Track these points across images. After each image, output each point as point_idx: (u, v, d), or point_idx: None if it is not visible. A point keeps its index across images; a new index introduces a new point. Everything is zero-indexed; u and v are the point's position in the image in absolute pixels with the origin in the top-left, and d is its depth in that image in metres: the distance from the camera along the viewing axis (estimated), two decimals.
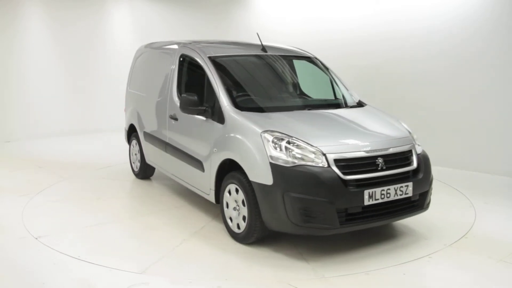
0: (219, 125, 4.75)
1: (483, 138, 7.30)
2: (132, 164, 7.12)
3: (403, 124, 4.96)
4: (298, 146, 4.12)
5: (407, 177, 4.39)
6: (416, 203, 4.48)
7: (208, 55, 5.27)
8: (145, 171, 6.81)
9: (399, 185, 4.23)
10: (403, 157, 4.44)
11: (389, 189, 4.17)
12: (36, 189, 6.31)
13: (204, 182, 5.02)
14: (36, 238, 4.66)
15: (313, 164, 4.03)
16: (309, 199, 3.94)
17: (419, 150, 4.66)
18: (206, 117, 4.94)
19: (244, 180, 4.33)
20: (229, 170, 4.59)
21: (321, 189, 3.95)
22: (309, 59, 5.98)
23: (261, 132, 4.26)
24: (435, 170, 5.03)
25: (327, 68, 5.89)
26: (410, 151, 4.51)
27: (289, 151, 4.10)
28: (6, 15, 9.69)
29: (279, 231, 4.26)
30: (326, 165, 4.03)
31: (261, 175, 4.14)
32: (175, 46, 5.99)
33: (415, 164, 4.46)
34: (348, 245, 4.48)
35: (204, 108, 4.92)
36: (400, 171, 4.33)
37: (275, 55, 5.68)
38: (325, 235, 4.43)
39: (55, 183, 6.68)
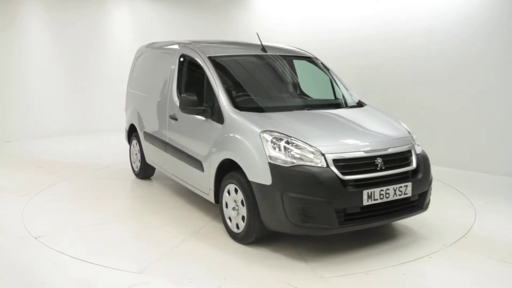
0: (218, 125, 4.75)
1: (483, 138, 7.30)
2: (133, 164, 7.12)
3: (402, 124, 4.95)
4: (297, 146, 4.12)
5: (406, 177, 4.38)
6: (416, 203, 4.48)
7: (207, 55, 5.27)
8: (145, 171, 6.81)
9: (398, 185, 4.23)
10: (402, 157, 4.43)
11: (388, 189, 4.16)
12: (36, 189, 6.31)
13: (203, 182, 5.02)
14: (36, 238, 4.66)
15: (312, 164, 4.03)
16: (307, 199, 3.94)
17: (418, 150, 4.66)
18: (206, 117, 4.94)
19: (243, 180, 4.33)
20: (229, 170, 4.59)
21: (319, 189, 3.95)
22: (309, 59, 5.98)
23: (260, 132, 4.26)
24: (435, 170, 5.04)
25: (327, 68, 5.89)
26: (409, 151, 4.51)
27: (288, 151, 4.10)
28: (6, 15, 9.70)
29: (278, 231, 4.25)
30: (325, 165, 4.03)
31: (260, 175, 4.14)
32: (175, 46, 5.99)
33: (414, 164, 4.46)
34: (347, 245, 4.48)
35: (204, 108, 4.92)
36: (399, 171, 4.33)
37: (275, 55, 5.68)
38: (324, 235, 4.43)
39: (55, 183, 6.68)
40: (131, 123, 6.98)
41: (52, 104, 10.37)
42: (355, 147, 4.24)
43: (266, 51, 5.59)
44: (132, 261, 4.14)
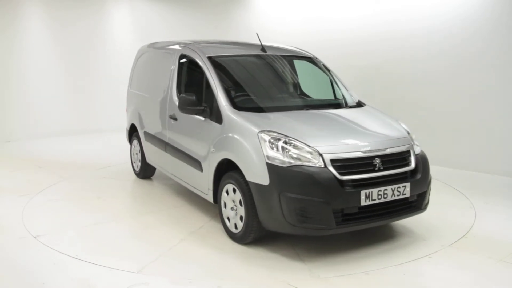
0: (217, 125, 4.75)
1: (483, 138, 7.30)
2: (133, 163, 7.13)
3: (402, 124, 4.94)
4: (295, 146, 4.12)
5: (405, 177, 4.37)
6: (414, 204, 4.47)
7: (207, 55, 5.27)
8: (145, 171, 6.82)
9: (396, 186, 4.22)
10: (401, 158, 4.42)
11: (386, 189, 4.15)
12: (36, 189, 6.31)
13: (202, 182, 5.02)
14: (35, 237, 4.66)
15: (310, 164, 4.02)
16: (305, 200, 3.93)
17: (417, 150, 4.64)
18: (205, 117, 4.94)
19: (241, 180, 4.33)
20: (227, 170, 4.59)
21: (317, 189, 3.94)
22: (309, 59, 5.98)
23: (258, 132, 4.26)
24: (435, 170, 5.05)
25: (327, 68, 5.89)
26: (408, 152, 4.50)
27: (286, 151, 4.10)
28: (6, 15, 9.70)
29: (276, 231, 4.25)
30: (322, 165, 4.02)
31: (258, 175, 4.14)
32: (175, 46, 6.00)
33: (413, 165, 4.45)
34: (347, 245, 4.48)
35: (203, 108, 4.92)
36: (397, 172, 4.31)
37: (275, 55, 5.68)
38: (322, 236, 4.43)
39: (55, 183, 6.68)
40: (131, 123, 6.98)
41: (52, 104, 10.37)
42: (353, 147, 4.23)
43: (265, 51, 5.59)
44: (132, 261, 4.14)
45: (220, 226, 4.86)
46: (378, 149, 4.27)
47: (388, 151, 4.33)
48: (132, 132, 7.06)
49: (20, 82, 9.99)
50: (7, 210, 5.56)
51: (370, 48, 8.57)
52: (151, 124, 6.32)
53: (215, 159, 4.69)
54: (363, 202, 4.05)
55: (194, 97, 4.92)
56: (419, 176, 4.44)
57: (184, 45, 5.79)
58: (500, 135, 7.11)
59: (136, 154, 6.95)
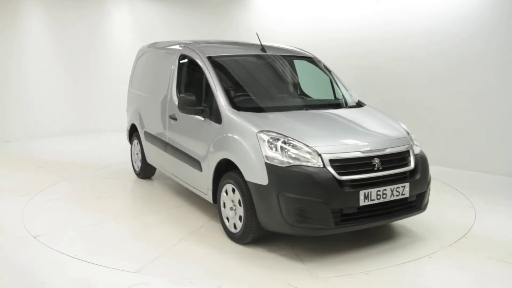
0: (216, 125, 4.75)
1: (483, 138, 7.30)
2: (134, 163, 7.13)
3: (401, 124, 4.93)
4: (293, 146, 4.11)
5: (404, 177, 4.36)
6: (413, 204, 4.46)
7: (206, 55, 5.27)
8: (146, 171, 6.83)
9: (395, 186, 4.21)
10: (400, 158, 4.41)
11: (385, 189, 4.15)
12: (36, 189, 6.31)
13: (202, 182, 5.02)
14: (35, 237, 4.66)
15: (309, 164, 4.02)
16: (303, 200, 3.93)
17: (417, 150, 4.64)
18: (204, 117, 4.94)
19: (240, 180, 4.33)
20: (227, 170, 4.59)
21: (315, 189, 3.94)
22: (309, 59, 5.98)
23: (257, 132, 4.26)
24: (435, 170, 5.04)
25: (326, 68, 5.89)
26: (407, 152, 4.49)
27: (285, 151, 4.09)
28: (6, 15, 9.70)
29: (275, 231, 4.25)
30: (321, 166, 4.02)
31: (257, 175, 4.14)
32: (175, 46, 6.00)
33: (412, 165, 4.44)
34: (347, 245, 4.48)
35: (202, 108, 4.92)
36: (396, 172, 4.31)
37: (274, 55, 5.68)
38: (321, 236, 4.42)
39: (55, 183, 6.68)
40: (132, 123, 6.99)
41: (52, 104, 10.37)
42: (352, 147, 4.23)
43: (265, 51, 5.59)
44: (132, 261, 4.14)
45: (219, 226, 4.86)
46: (377, 149, 4.27)
47: (388, 151, 4.33)
48: (133, 132, 7.07)
49: (20, 82, 10.00)
50: (7, 210, 5.56)
51: (370, 48, 8.57)
52: (151, 124, 6.32)
53: (215, 159, 4.69)
54: (362, 202, 4.04)
55: (193, 97, 4.92)
56: (419, 176, 4.44)
57: (184, 45, 5.79)
58: (500, 135, 7.11)
59: (137, 154, 6.95)
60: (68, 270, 4.00)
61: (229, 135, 4.54)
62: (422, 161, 4.57)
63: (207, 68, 5.10)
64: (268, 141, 4.16)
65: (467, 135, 7.47)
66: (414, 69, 8.02)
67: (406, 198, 4.32)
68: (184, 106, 4.95)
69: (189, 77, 5.62)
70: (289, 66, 5.86)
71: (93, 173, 7.30)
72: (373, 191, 4.09)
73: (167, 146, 5.78)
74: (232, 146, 4.48)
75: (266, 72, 5.66)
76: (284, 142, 4.14)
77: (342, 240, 4.57)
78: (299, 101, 5.50)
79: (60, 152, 8.82)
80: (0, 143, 9.56)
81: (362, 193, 4.04)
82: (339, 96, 5.55)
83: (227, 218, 4.63)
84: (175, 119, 5.54)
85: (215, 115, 4.79)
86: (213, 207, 5.39)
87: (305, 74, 6.00)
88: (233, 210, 4.52)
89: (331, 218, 3.96)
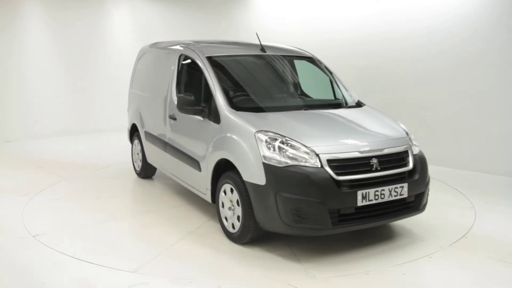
0: (215, 125, 4.75)
1: (483, 138, 7.30)
2: (134, 163, 7.14)
3: (400, 124, 4.91)
4: (291, 146, 4.11)
5: (403, 178, 4.35)
6: (412, 204, 4.45)
7: (206, 55, 5.27)
8: (146, 170, 6.83)
9: (393, 186, 4.20)
10: (398, 158, 4.40)
11: (383, 190, 4.13)
12: (36, 189, 6.31)
13: (201, 182, 5.02)
14: (34, 237, 4.67)
15: (306, 164, 4.01)
16: (301, 200, 3.93)
17: (416, 150, 4.62)
18: (203, 117, 4.94)
19: (238, 180, 4.32)
20: (226, 170, 4.59)
21: (313, 189, 3.93)
22: (308, 59, 5.98)
23: (255, 132, 4.26)
24: (435, 170, 5.04)
25: (326, 68, 5.89)
26: (406, 152, 4.47)
27: (283, 151, 4.09)
28: (6, 15, 9.70)
29: (272, 231, 4.25)
30: (319, 166, 4.02)
31: (255, 175, 4.14)
32: (175, 46, 6.00)
33: (411, 165, 4.43)
34: (346, 245, 4.48)
35: (201, 108, 4.92)
36: (395, 172, 4.29)
37: (274, 55, 5.67)
38: (319, 236, 4.42)
39: (55, 183, 6.68)
40: (132, 122, 7.00)
41: (52, 104, 10.37)
42: (350, 147, 4.22)
43: (265, 51, 5.58)
44: (131, 261, 4.14)
45: (218, 226, 4.86)
46: (376, 149, 4.26)
47: (386, 151, 4.31)
48: (133, 132, 7.07)
49: (20, 82, 10.00)
50: (7, 210, 5.56)
51: (370, 48, 8.57)
52: (152, 124, 6.33)
53: (213, 159, 4.69)
54: (359, 203, 4.03)
55: (192, 97, 4.93)
56: (417, 176, 4.42)
57: (184, 45, 5.79)
58: (500, 135, 7.11)
59: (137, 153, 6.96)
60: (68, 270, 4.00)
61: (228, 135, 4.54)
62: (421, 161, 4.56)
63: (206, 68, 5.10)
64: (266, 141, 4.16)
65: (467, 135, 7.47)
66: (414, 69, 8.02)
67: (404, 199, 4.30)
68: (183, 106, 4.96)
69: (189, 77, 5.62)
70: (289, 66, 5.86)
71: (93, 173, 7.30)
72: (371, 191, 4.08)
73: (167, 146, 5.78)
74: (230, 146, 4.48)
75: (266, 72, 5.66)
76: (282, 142, 4.13)
77: (341, 240, 4.57)
78: (298, 101, 5.49)
79: (60, 152, 8.82)
80: (0, 143, 9.56)
81: (359, 193, 4.03)
82: (338, 96, 5.54)
83: (226, 218, 4.63)
84: (174, 119, 5.54)
85: (214, 115, 4.79)
86: (212, 207, 5.39)
87: (305, 74, 6.00)
88: (231, 210, 4.52)
89: (329, 218, 3.96)
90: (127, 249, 4.45)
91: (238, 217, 4.40)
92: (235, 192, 4.40)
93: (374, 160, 4.18)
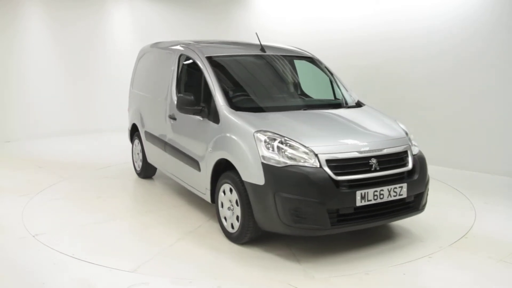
0: (214, 125, 4.75)
1: (483, 138, 7.30)
2: (135, 163, 7.15)
3: (400, 124, 4.90)
4: (290, 146, 4.11)
5: (402, 178, 4.34)
6: (411, 205, 4.44)
7: (205, 55, 5.27)
8: (147, 170, 6.83)
9: (393, 186, 4.19)
10: (397, 158, 4.39)
11: (382, 190, 4.13)
12: (36, 189, 6.31)
13: (200, 182, 5.02)
14: (34, 236, 4.67)
15: (305, 164, 4.01)
16: (299, 200, 3.93)
17: (415, 151, 4.61)
18: (202, 116, 4.94)
19: (237, 180, 4.32)
20: (225, 170, 4.59)
21: (312, 189, 3.93)
22: (308, 59, 5.97)
23: (254, 132, 4.25)
24: (435, 170, 5.03)
25: (326, 68, 5.89)
26: (405, 152, 4.46)
27: (282, 151, 4.09)
28: (6, 15, 9.70)
29: (271, 231, 4.25)
30: (318, 166, 4.01)
31: (253, 175, 4.14)
32: (175, 46, 6.00)
33: (410, 165, 4.42)
34: (345, 245, 4.47)
35: (200, 108, 4.92)
36: (394, 172, 4.29)
37: (274, 55, 5.67)
38: (318, 236, 4.42)
39: (55, 183, 6.68)
40: (133, 122, 7.01)
41: (52, 104, 10.37)
42: (349, 147, 4.21)
43: (265, 51, 5.58)
44: (131, 261, 4.14)
45: (217, 226, 4.86)
46: (375, 150, 4.25)
47: (385, 151, 4.31)
48: (134, 132, 7.08)
49: (20, 82, 9.99)
50: (7, 210, 5.57)
51: (370, 48, 8.57)
52: (152, 124, 6.33)
53: (213, 159, 4.70)
54: (358, 203, 4.03)
55: (192, 97, 4.93)
56: (417, 176, 4.42)
57: (184, 45, 5.80)
58: (500, 135, 7.11)
59: (138, 153, 6.97)
60: (68, 270, 4.00)
61: (227, 135, 4.54)
62: (420, 161, 4.55)
63: (206, 68, 5.10)
64: (265, 141, 4.16)
65: (467, 135, 7.47)
66: (414, 69, 8.02)
67: (403, 199, 4.30)
68: (183, 106, 4.96)
69: (189, 77, 5.62)
70: (289, 66, 5.85)
71: (93, 173, 7.30)
72: (370, 191, 4.07)
73: (166, 146, 5.78)
74: (229, 146, 4.48)
75: (265, 72, 5.66)
76: (281, 142, 4.13)
77: (340, 240, 4.57)
78: (297, 101, 5.49)
79: (60, 152, 8.82)
80: (0, 143, 9.56)
81: (358, 194, 4.02)
82: (338, 96, 5.54)
83: (225, 218, 4.63)
84: (174, 119, 5.54)
85: (213, 115, 4.79)
86: (212, 207, 5.39)
87: (305, 74, 6.00)
88: (230, 210, 4.52)
89: (327, 218, 3.95)
90: (127, 249, 4.45)
91: (237, 217, 4.40)
92: (234, 192, 4.40)
93: (373, 160, 4.18)
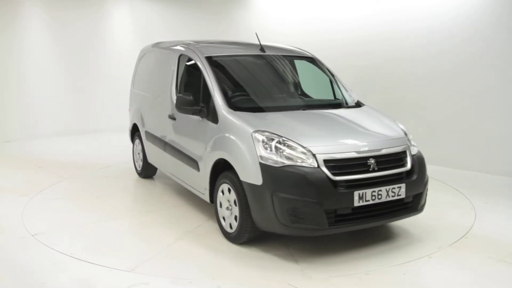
0: (213, 125, 4.75)
1: (483, 138, 7.30)
2: (135, 163, 7.15)
3: (399, 124, 4.89)
4: (288, 146, 4.10)
5: (400, 178, 4.33)
6: (410, 205, 4.43)
7: (205, 55, 5.27)
8: (147, 170, 6.84)
9: (391, 187, 4.18)
10: (396, 158, 4.38)
11: (380, 190, 4.12)
12: (36, 189, 6.31)
13: (199, 182, 5.02)
14: (33, 236, 4.67)
15: (303, 164, 4.01)
16: (297, 200, 3.92)
17: (414, 151, 4.59)
18: (201, 116, 4.94)
19: (235, 180, 4.32)
20: (224, 170, 4.59)
21: (309, 189, 3.92)
22: (308, 59, 5.97)
23: (252, 132, 4.25)
24: (435, 170, 5.03)
25: (326, 68, 5.88)
26: (404, 152, 4.45)
27: (279, 151, 4.09)
28: (6, 15, 9.70)
29: (269, 231, 4.24)
30: (315, 166, 4.01)
31: (251, 175, 4.13)
32: (175, 47, 6.00)
33: (409, 166, 4.41)
34: (344, 245, 4.47)
35: (200, 108, 4.92)
36: (392, 172, 4.28)
37: (273, 55, 5.66)
38: (316, 236, 4.41)
39: (55, 183, 6.68)
40: (134, 122, 7.02)
41: (52, 104, 10.37)
42: (347, 147, 4.20)
43: (264, 51, 5.58)
44: (131, 260, 4.14)
45: (216, 226, 4.86)
46: (373, 150, 4.24)
47: (384, 151, 4.30)
48: (134, 132, 7.09)
49: (20, 82, 9.99)
50: (7, 210, 5.57)
51: (370, 48, 8.57)
52: (152, 124, 6.34)
53: (211, 159, 4.70)
54: (356, 203, 4.02)
55: (191, 97, 4.93)
56: (415, 177, 4.40)
57: (184, 45, 5.80)
58: (500, 135, 7.11)
59: (138, 153, 6.97)
60: (68, 270, 4.00)
61: (225, 135, 4.54)
62: (419, 161, 4.54)
63: (205, 68, 5.10)
64: (263, 141, 4.15)
65: (467, 135, 7.47)
66: (414, 69, 8.02)
67: (402, 199, 4.29)
68: (182, 106, 4.96)
69: (189, 77, 5.62)
70: (289, 66, 5.85)
71: (93, 173, 7.30)
72: (368, 191, 4.07)
73: (166, 145, 5.79)
74: (228, 146, 4.48)
75: (265, 72, 5.66)
76: (279, 142, 4.13)
77: (339, 240, 4.56)
78: (296, 101, 5.48)
79: (60, 152, 8.82)
80: (0, 143, 9.56)
81: (356, 194, 4.01)
82: (338, 96, 5.54)
83: (224, 218, 4.63)
84: (174, 119, 5.55)
85: (212, 115, 4.79)
86: (212, 207, 5.38)
87: (305, 74, 6.00)
88: (229, 210, 4.52)
89: (325, 218, 3.95)
90: (127, 249, 4.45)
91: (236, 217, 4.40)
92: (232, 192, 4.40)
93: (372, 161, 4.17)
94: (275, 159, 4.06)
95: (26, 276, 3.93)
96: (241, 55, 5.64)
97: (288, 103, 5.31)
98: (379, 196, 4.12)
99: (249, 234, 4.36)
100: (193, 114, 4.98)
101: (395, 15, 8.21)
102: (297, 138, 4.16)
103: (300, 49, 6.16)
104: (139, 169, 7.01)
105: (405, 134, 4.71)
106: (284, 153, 4.07)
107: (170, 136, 5.69)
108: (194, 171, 5.07)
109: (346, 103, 5.37)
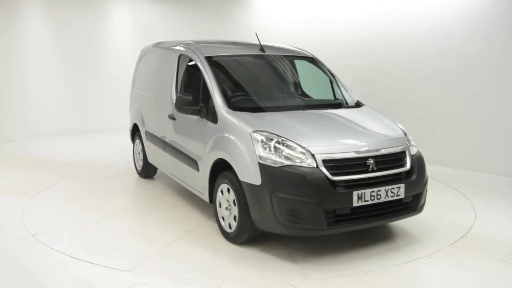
0: (212, 125, 4.75)
1: (483, 138, 7.30)
2: (136, 163, 7.16)
3: (398, 124, 4.89)
4: (287, 146, 4.10)
5: (400, 178, 4.33)
6: (409, 205, 4.42)
7: (204, 55, 5.27)
8: (147, 170, 6.84)
9: (390, 187, 4.17)
10: (395, 158, 4.37)
11: (379, 190, 4.11)
12: (36, 189, 6.31)
13: (199, 182, 5.03)
14: (33, 236, 4.67)
15: (302, 164, 4.01)
16: (296, 200, 3.92)
17: (413, 151, 4.59)
18: (201, 116, 4.94)
19: (235, 180, 4.32)
20: (223, 170, 4.59)
21: (308, 189, 3.92)
22: (308, 59, 5.97)
23: (251, 132, 4.25)
24: (435, 170, 5.02)
25: (326, 68, 5.88)
26: (403, 152, 4.45)
27: (278, 151, 4.09)
28: (6, 15, 9.70)
29: (268, 231, 4.24)
30: (314, 166, 4.00)
31: (250, 175, 4.13)
32: (175, 47, 6.01)
33: (408, 166, 4.40)
34: (343, 245, 4.47)
35: (199, 108, 4.92)
36: (392, 172, 4.27)
37: (273, 55, 5.66)
38: (315, 236, 4.41)
39: (55, 183, 6.68)
40: (134, 122, 7.02)
41: (52, 104, 10.37)
42: (346, 147, 4.20)
43: (264, 51, 5.58)
44: (131, 260, 4.14)
45: (216, 226, 4.86)
46: (372, 150, 4.23)
47: (383, 151, 4.29)
48: (135, 132, 7.09)
49: (20, 82, 10.00)
50: (7, 210, 5.57)
51: (370, 48, 8.57)
52: (152, 124, 6.34)
53: (211, 159, 4.70)
54: (355, 203, 4.01)
55: (190, 97, 4.93)
56: (415, 177, 4.39)
57: (184, 45, 5.80)
58: (500, 135, 7.11)
59: (139, 153, 6.98)
60: (68, 270, 4.00)
61: (225, 135, 4.53)
62: (418, 162, 4.53)
63: (205, 68, 5.10)
64: (262, 141, 4.15)
65: (467, 135, 7.47)
66: (414, 69, 8.02)
67: (401, 199, 4.28)
68: (181, 106, 4.96)
69: (188, 77, 5.62)
70: (289, 66, 5.85)
71: (93, 173, 7.30)
72: (367, 192, 4.06)
73: (166, 145, 5.79)
74: (227, 146, 4.48)
75: (264, 72, 5.66)
76: (278, 142, 4.13)
77: (338, 240, 4.56)
78: (296, 101, 5.47)
79: (60, 152, 8.82)
80: (0, 143, 9.56)
81: (355, 194, 4.01)
82: (338, 96, 5.53)
83: (223, 218, 4.63)
84: (174, 119, 5.55)
85: (211, 115, 4.79)
86: (211, 207, 5.38)
87: (305, 74, 6.00)
88: (228, 210, 4.52)
89: (324, 218, 3.95)
90: (127, 249, 4.45)
91: (235, 217, 4.40)
92: (231, 192, 4.40)
93: (371, 161, 4.17)
94: (274, 159, 4.05)
95: (26, 276, 3.93)
96: (241, 55, 5.64)
97: (288, 103, 5.30)
98: (378, 196, 4.12)
99: (248, 234, 4.36)
100: (192, 114, 4.98)
101: (395, 15, 8.21)
102: (296, 138, 4.16)
103: (300, 49, 6.16)
104: (139, 169, 7.01)
105: (405, 134, 4.71)
106: (283, 153, 4.07)
107: (170, 136, 5.69)
108: (194, 171, 5.07)
109: (346, 103, 5.36)
